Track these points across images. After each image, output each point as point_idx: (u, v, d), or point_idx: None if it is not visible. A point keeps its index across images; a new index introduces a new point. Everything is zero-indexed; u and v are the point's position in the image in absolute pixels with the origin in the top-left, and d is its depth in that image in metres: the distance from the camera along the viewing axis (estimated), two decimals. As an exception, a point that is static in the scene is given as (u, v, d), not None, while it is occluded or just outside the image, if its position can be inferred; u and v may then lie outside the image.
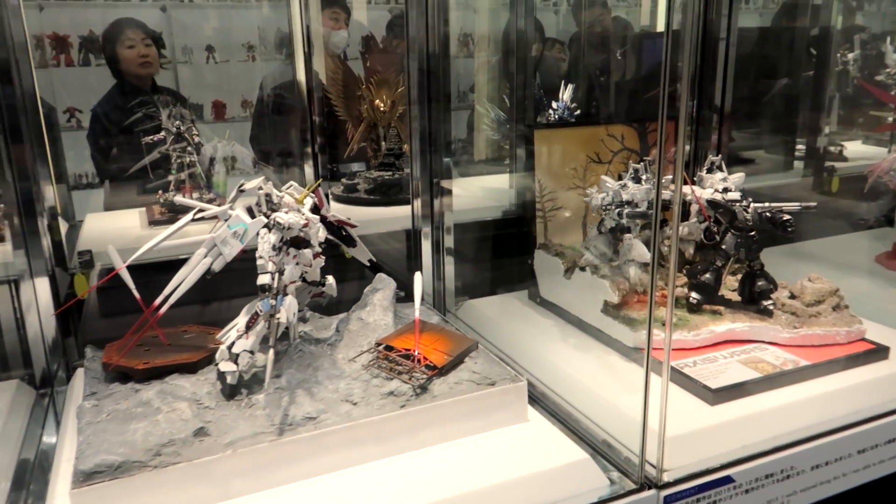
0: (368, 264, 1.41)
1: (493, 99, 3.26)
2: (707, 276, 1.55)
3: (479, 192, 2.86)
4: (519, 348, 1.60)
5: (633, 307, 1.58)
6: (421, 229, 1.84)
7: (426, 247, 1.84)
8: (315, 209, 1.31)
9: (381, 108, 2.83)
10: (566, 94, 2.44)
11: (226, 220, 1.15)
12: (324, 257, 1.27)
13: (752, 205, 1.53)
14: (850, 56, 3.17)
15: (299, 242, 1.20)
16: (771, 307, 1.52)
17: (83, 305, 1.67)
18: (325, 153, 3.13)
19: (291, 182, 1.30)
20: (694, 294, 1.56)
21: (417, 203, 1.84)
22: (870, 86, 2.25)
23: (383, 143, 2.86)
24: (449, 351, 1.27)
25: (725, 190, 1.59)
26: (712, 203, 1.54)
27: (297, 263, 1.20)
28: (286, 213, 1.18)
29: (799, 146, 3.33)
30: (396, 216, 2.04)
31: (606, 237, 1.62)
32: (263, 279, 1.12)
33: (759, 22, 4.45)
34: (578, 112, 2.45)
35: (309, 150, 2.70)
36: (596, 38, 4.04)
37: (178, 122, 2.65)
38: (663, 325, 1.51)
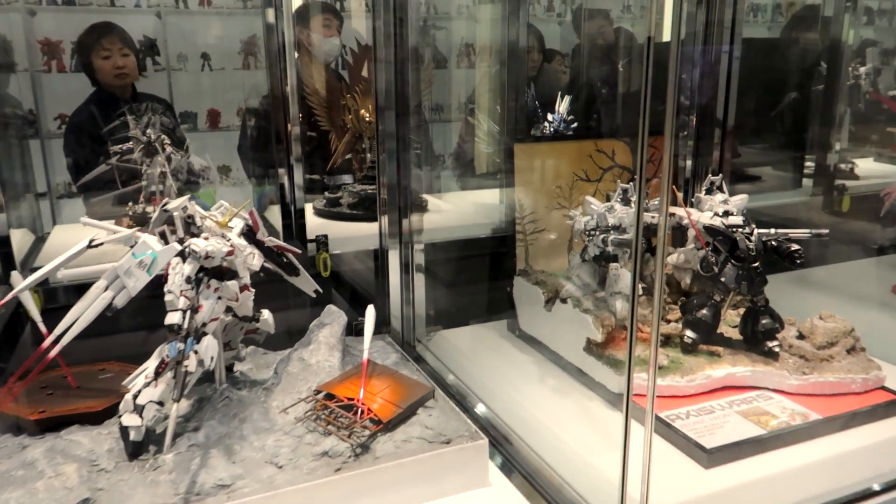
0: (314, 295, 1.23)
1: (488, 110, 3.11)
2: (704, 311, 1.36)
3: (464, 209, 2.70)
4: (490, 389, 1.42)
5: (620, 346, 1.39)
6: (388, 249, 1.66)
7: (394, 269, 1.66)
8: (250, 233, 1.14)
9: (367, 118, 2.67)
10: (562, 105, 2.27)
11: (131, 247, 0.98)
12: (253, 290, 1.09)
13: (755, 231, 1.34)
14: (863, 70, 3.00)
15: (223, 273, 1.03)
16: (777, 349, 1.34)
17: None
18: (307, 165, 2.97)
19: (222, 202, 1.13)
20: (689, 332, 1.37)
21: (385, 220, 1.66)
22: (886, 100, 2.07)
23: (368, 155, 2.70)
24: (399, 401, 1.08)
25: (726, 213, 1.41)
26: (710, 229, 1.36)
27: (220, 298, 1.02)
28: (206, 238, 1.00)
29: (808, 163, 3.15)
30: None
31: (591, 266, 1.44)
32: (172, 318, 0.95)
33: (768, 35, 4.27)
34: (576, 125, 2.28)
35: (288, 161, 2.55)
36: (598, 49, 3.89)
37: (148, 131, 2.50)
38: (657, 368, 1.34)
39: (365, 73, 2.84)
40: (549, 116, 2.32)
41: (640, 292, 1.56)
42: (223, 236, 1.04)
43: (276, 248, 1.16)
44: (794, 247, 1.30)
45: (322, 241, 2.21)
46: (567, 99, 2.27)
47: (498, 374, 1.48)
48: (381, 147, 1.59)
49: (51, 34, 4.01)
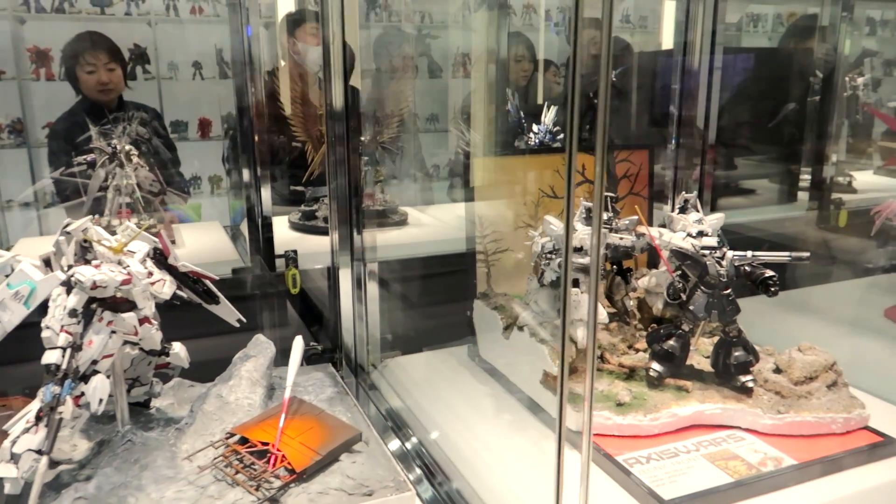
0: (237, 325, 1.12)
1: (474, 121, 3.02)
2: (671, 342, 1.25)
3: (448, 222, 2.60)
4: (440, 423, 1.30)
5: (581, 379, 1.28)
6: (339, 267, 1.54)
7: (345, 290, 1.55)
8: (161, 258, 1.03)
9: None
10: (549, 116, 2.17)
11: (6, 276, 0.87)
12: (155, 323, 0.98)
13: (727, 255, 1.23)
14: (860, 81, 2.88)
15: (118, 304, 0.92)
16: (750, 384, 1.22)
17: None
18: (290, 176, 2.88)
19: (128, 223, 1.02)
20: (655, 365, 1.25)
21: (335, 236, 1.55)
22: (879, 113, 1.95)
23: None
24: (319, 446, 0.97)
25: (700, 234, 1.29)
26: (678, 253, 1.24)
27: (115, 332, 0.91)
28: (97, 266, 0.90)
29: (804, 176, 3.03)
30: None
31: (550, 291, 1.33)
32: (48, 357, 0.84)
33: (769, 45, 4.16)
34: (562, 136, 2.18)
35: (255, 173, 2.46)
36: (591, 59, 3.79)
37: (113, 142, 2.41)
38: (617, 404, 1.22)
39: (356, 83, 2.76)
40: (535, 127, 2.22)
41: (608, 319, 1.45)
42: (120, 263, 0.93)
43: (192, 275, 1.05)
44: (768, 273, 1.18)
45: (291, 257, 2.11)
46: (553, 109, 2.17)
47: (451, 405, 1.37)
48: (331, 159, 1.48)
49: (40, 42, 3.95)
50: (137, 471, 0.95)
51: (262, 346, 1.15)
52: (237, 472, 0.94)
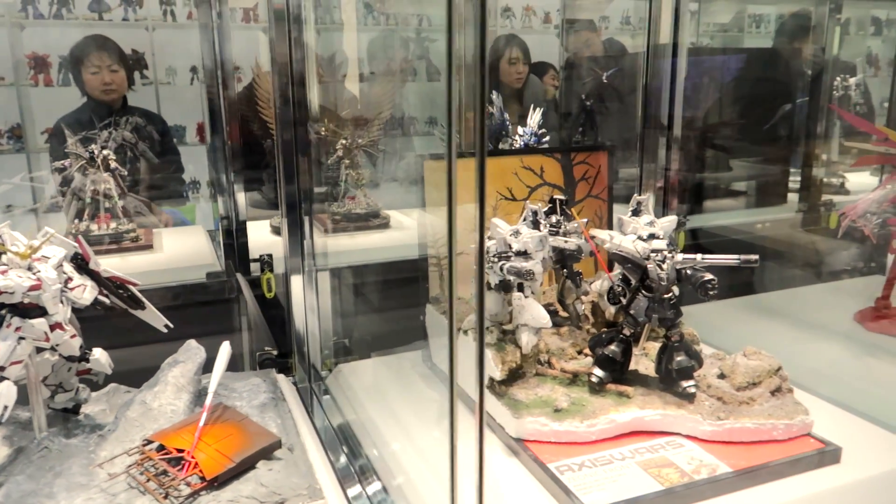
0: (165, 330, 1.11)
1: (457, 123, 3.00)
2: (612, 347, 1.22)
3: (403, 229, 2.59)
4: (382, 429, 1.29)
5: (525, 386, 1.26)
6: (290, 271, 1.54)
7: (296, 292, 1.53)
8: (82, 263, 1.02)
9: (323, 133, 2.58)
10: (534, 119, 2.16)
11: None
12: (71, 328, 0.97)
13: (668, 258, 1.20)
14: (853, 81, 2.84)
15: (28, 310, 0.92)
16: (692, 389, 1.19)
17: None
18: (270, 180, 2.89)
19: (47, 229, 1.02)
20: (596, 370, 1.23)
21: (286, 241, 1.54)
22: (845, 113, 1.91)
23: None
24: (234, 453, 0.96)
25: (651, 237, 1.27)
26: (618, 256, 1.22)
27: (24, 338, 0.91)
28: (3, 272, 0.89)
29: (793, 178, 2.99)
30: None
31: (496, 294, 1.31)
32: (-55, 364, 0.83)
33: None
34: (548, 138, 2.17)
35: (227, 177, 2.46)
36: (584, 61, 3.77)
37: (91, 147, 2.43)
38: (555, 410, 1.20)
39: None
40: (520, 130, 2.21)
41: (550, 323, 1.43)
42: (30, 268, 0.93)
43: (114, 280, 1.04)
44: (707, 276, 1.16)
45: (266, 261, 2.11)
46: (539, 111, 2.15)
47: (396, 411, 1.35)
48: (280, 162, 1.47)
49: (38, 48, 3.99)
50: (51, 478, 0.94)
51: (191, 352, 1.15)
52: (148, 480, 0.93)
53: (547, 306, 1.55)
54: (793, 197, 2.93)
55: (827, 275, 2.13)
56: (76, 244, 1.01)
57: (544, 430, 1.16)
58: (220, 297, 2.13)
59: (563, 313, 1.49)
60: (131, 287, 1.07)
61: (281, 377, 1.52)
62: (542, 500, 1.05)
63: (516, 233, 1.27)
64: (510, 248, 1.23)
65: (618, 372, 1.23)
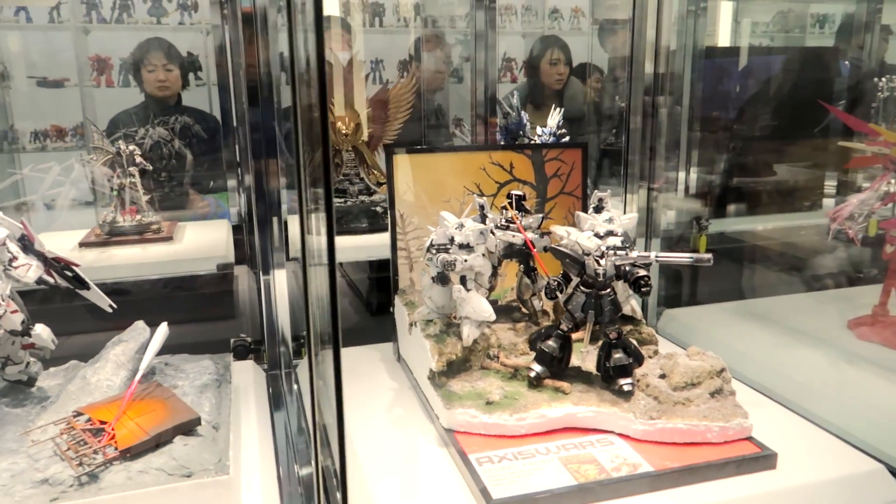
0: (110, 310, 1.17)
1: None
2: (549, 342, 1.22)
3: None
4: (328, 417, 1.32)
5: (463, 378, 1.27)
6: (259, 267, 1.59)
7: (269, 287, 1.58)
8: (28, 244, 1.09)
9: (343, 132, 2.63)
10: (553, 119, 2.17)
11: None
12: (12, 304, 1.04)
13: (607, 255, 1.18)
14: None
15: (-36, 286, 0.99)
16: (628, 388, 1.18)
17: None
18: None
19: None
20: (534, 365, 1.23)
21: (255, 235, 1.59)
22: (838, 111, 1.83)
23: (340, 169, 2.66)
24: (151, 427, 1.01)
25: (609, 233, 1.26)
26: (557, 251, 1.22)
27: (-42, 313, 0.98)
28: (-59, 249, 0.97)
29: (829, 182, 2.87)
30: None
31: (442, 287, 1.32)
32: None
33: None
34: (567, 139, 2.17)
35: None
36: (622, 62, 3.72)
37: (118, 143, 2.55)
38: (487, 403, 1.20)
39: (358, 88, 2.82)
40: (539, 130, 2.22)
41: (494, 317, 1.42)
42: (-32, 247, 1.00)
43: (58, 261, 1.11)
44: (641, 272, 1.14)
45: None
46: (559, 112, 2.16)
47: (353, 401, 1.38)
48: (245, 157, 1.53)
49: (100, 51, 4.22)
50: (-15, 443, 1.01)
51: (136, 332, 1.20)
52: (68, 448, 0.98)
53: (510, 302, 1.56)
54: (828, 203, 2.82)
55: (837, 281, 2.04)
56: (21, 225, 1.08)
57: (474, 422, 1.17)
58: (221, 288, 2.20)
59: (524, 310, 1.49)
60: (75, 268, 1.13)
61: (250, 363, 1.57)
62: (458, 490, 1.05)
63: (461, 226, 1.28)
64: (451, 240, 1.24)
65: (556, 367, 1.23)
